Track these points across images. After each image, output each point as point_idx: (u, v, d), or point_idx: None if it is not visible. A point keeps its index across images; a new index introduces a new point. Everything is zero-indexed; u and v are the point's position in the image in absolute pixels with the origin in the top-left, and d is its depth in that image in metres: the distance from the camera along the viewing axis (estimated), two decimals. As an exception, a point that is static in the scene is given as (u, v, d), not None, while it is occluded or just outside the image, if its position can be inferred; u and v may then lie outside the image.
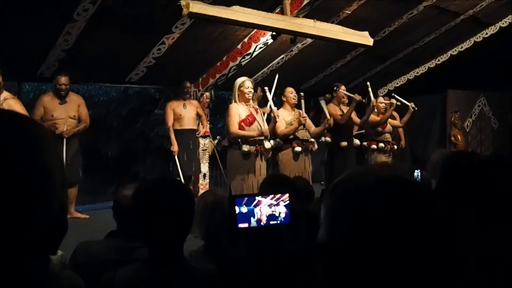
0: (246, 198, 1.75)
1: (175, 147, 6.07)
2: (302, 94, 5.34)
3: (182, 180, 5.94)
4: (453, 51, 8.49)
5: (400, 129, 6.97)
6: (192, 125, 6.31)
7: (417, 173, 3.18)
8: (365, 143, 6.37)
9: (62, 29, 4.77)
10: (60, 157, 0.66)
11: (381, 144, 6.34)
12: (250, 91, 4.85)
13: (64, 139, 5.24)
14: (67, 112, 5.37)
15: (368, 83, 6.15)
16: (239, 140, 4.78)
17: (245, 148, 4.74)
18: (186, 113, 6.20)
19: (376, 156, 6.33)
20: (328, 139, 5.87)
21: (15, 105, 4.86)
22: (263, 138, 4.91)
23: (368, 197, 0.73)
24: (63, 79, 5.28)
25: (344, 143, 5.82)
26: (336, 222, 0.75)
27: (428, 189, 0.78)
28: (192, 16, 4.43)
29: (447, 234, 0.73)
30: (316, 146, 5.58)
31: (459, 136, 8.63)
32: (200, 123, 6.53)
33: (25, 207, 0.56)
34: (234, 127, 4.74)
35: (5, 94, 4.82)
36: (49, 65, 5.31)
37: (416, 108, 6.42)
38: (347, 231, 0.73)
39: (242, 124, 4.78)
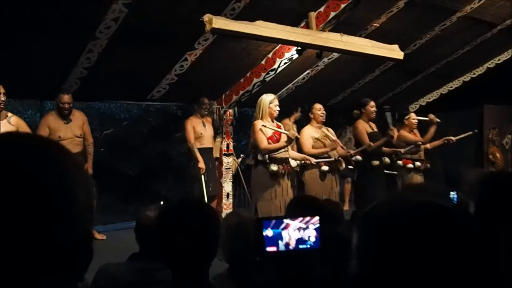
0: (273, 221, 1.74)
1: (202, 164, 6.04)
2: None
3: (206, 199, 5.96)
4: (489, 64, 8.35)
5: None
6: (211, 143, 6.38)
7: (453, 195, 3.12)
8: (400, 162, 6.24)
9: (84, 47, 4.90)
10: (86, 181, 0.65)
11: (418, 163, 6.21)
12: (278, 109, 4.90)
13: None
14: (73, 132, 5.40)
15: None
16: (267, 159, 4.78)
17: (274, 167, 4.73)
18: (206, 131, 6.25)
19: (413, 175, 6.20)
20: (358, 157, 5.80)
21: (20, 122, 5.02)
22: (288, 156, 4.92)
23: (403, 225, 0.72)
24: (66, 97, 5.28)
25: (376, 162, 5.71)
26: (370, 251, 0.74)
27: (465, 214, 0.78)
28: (215, 32, 4.48)
29: (485, 258, 0.72)
30: (343, 165, 5.54)
31: (497, 154, 8.45)
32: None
33: (46, 232, 0.57)
34: (264, 143, 4.73)
35: (6, 112, 4.94)
36: (71, 83, 5.43)
37: (453, 141, 6.39)
38: (382, 261, 0.72)
39: (270, 141, 4.79)
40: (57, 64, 5.12)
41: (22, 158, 0.59)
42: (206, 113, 6.37)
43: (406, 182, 6.09)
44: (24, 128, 5.01)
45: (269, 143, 4.79)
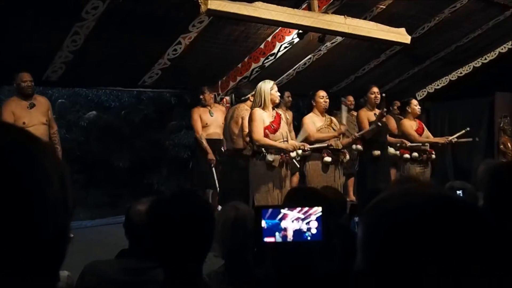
0: (270, 211, 1.72)
1: (211, 155, 5.91)
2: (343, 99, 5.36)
3: (219, 192, 5.87)
4: (502, 49, 8.33)
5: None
6: (219, 134, 6.14)
7: (459, 193, 3.12)
8: (397, 152, 6.24)
9: (69, 29, 4.84)
10: (61, 173, 0.62)
11: (415, 154, 6.17)
12: (279, 95, 4.88)
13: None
14: (38, 118, 5.17)
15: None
16: (263, 148, 4.76)
17: (270, 158, 4.71)
18: (213, 121, 6.08)
19: (410, 167, 6.17)
20: (359, 147, 5.80)
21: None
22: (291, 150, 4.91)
23: (413, 218, 0.71)
24: (27, 76, 5.08)
25: (377, 152, 5.74)
26: (377, 246, 0.73)
27: (477, 208, 0.76)
28: (211, 13, 4.45)
29: (498, 252, 0.70)
30: (348, 156, 5.54)
31: (508, 144, 8.49)
32: None
33: (4, 231, 0.53)
34: (259, 134, 4.70)
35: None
36: (56, 68, 5.38)
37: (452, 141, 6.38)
38: (390, 256, 0.71)
39: (267, 131, 4.75)
40: (40, 47, 5.06)
41: None
42: (206, 103, 6.13)
43: (403, 173, 6.10)
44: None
45: (265, 134, 4.76)
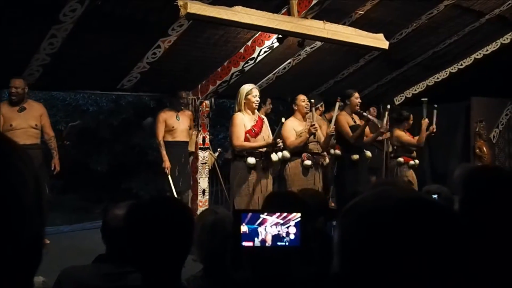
0: (249, 215, 1.72)
1: (167, 163, 6.07)
2: (312, 101, 5.38)
3: (176, 196, 5.94)
4: (477, 55, 8.44)
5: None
6: (185, 137, 6.34)
7: (434, 197, 3.15)
8: (401, 159, 6.37)
9: (46, 32, 4.77)
10: (35, 177, 0.61)
11: (417, 161, 6.45)
12: (258, 100, 4.89)
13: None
14: (27, 121, 5.29)
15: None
16: (244, 152, 4.77)
17: (251, 161, 4.72)
18: (179, 125, 6.22)
19: (404, 171, 6.39)
20: (337, 151, 5.85)
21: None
22: (270, 150, 4.91)
23: (389, 220, 0.72)
24: (16, 82, 5.18)
25: (356, 156, 5.79)
26: (352, 248, 0.74)
27: (451, 211, 0.78)
28: (190, 17, 4.43)
29: (470, 254, 0.72)
30: (327, 160, 5.58)
31: (484, 148, 8.59)
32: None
33: None
34: (238, 140, 4.72)
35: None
36: (32, 71, 5.29)
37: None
38: (364, 258, 0.71)
39: (247, 135, 4.77)
40: (16, 49, 4.98)
41: None
42: (182, 107, 6.33)
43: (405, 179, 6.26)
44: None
45: (246, 138, 4.76)
